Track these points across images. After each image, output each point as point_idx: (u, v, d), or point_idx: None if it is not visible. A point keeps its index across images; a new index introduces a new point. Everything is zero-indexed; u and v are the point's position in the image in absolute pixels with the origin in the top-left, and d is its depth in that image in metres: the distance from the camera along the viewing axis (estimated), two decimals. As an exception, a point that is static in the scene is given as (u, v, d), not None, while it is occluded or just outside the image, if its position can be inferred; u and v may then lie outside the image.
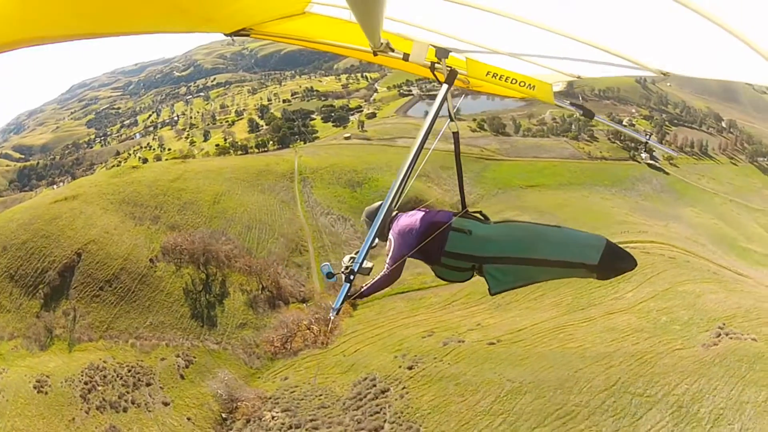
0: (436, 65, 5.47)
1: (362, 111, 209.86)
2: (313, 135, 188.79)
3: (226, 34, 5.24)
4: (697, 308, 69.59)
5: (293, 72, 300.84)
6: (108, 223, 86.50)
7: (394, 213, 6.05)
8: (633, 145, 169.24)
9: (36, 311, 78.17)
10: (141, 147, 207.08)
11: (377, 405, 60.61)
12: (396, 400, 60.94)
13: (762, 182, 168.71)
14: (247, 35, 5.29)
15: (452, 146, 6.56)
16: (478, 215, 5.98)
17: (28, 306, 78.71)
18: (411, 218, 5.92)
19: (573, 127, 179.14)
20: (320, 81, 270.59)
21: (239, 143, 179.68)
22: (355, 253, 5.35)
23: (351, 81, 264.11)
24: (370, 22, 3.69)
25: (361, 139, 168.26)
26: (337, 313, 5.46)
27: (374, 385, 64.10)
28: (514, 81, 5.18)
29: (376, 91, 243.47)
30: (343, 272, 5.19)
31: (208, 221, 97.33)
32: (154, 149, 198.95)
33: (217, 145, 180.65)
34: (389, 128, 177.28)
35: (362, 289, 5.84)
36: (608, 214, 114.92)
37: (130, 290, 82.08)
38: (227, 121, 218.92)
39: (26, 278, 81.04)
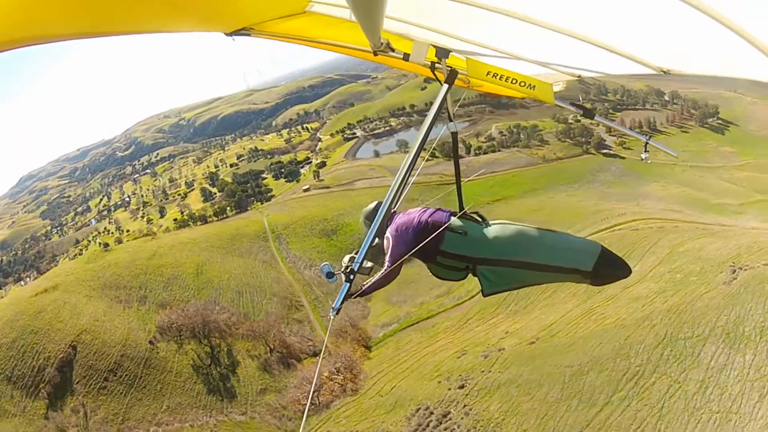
0: (437, 65, 5.45)
1: (311, 162, 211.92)
2: (269, 194, 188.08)
3: (226, 34, 5.13)
4: (704, 259, 73.06)
5: (233, 135, 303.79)
6: (96, 310, 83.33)
7: (392, 211, 5.99)
8: (583, 139, 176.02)
9: (43, 412, 73.59)
10: (99, 232, 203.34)
11: (445, 429, 60.73)
12: (462, 418, 61.15)
13: (716, 141, 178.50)
14: (248, 35, 5.23)
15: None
16: (475, 216, 6.01)
17: (33, 408, 74.04)
18: (408, 217, 5.98)
19: (521, 136, 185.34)
20: (262, 140, 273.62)
21: (197, 214, 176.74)
22: (355, 253, 5.26)
23: (293, 134, 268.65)
24: (370, 21, 3.67)
25: (320, 189, 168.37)
26: (337, 313, 5.09)
27: (431, 413, 63.67)
28: (514, 81, 5.14)
29: (319, 140, 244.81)
30: (343, 272, 5.05)
31: (197, 293, 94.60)
32: (112, 233, 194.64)
33: (175, 220, 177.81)
34: (343, 173, 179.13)
35: (362, 288, 5.72)
36: (579, 208, 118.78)
37: (136, 376, 78.46)
38: (179, 194, 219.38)
39: (24, 378, 76.57)
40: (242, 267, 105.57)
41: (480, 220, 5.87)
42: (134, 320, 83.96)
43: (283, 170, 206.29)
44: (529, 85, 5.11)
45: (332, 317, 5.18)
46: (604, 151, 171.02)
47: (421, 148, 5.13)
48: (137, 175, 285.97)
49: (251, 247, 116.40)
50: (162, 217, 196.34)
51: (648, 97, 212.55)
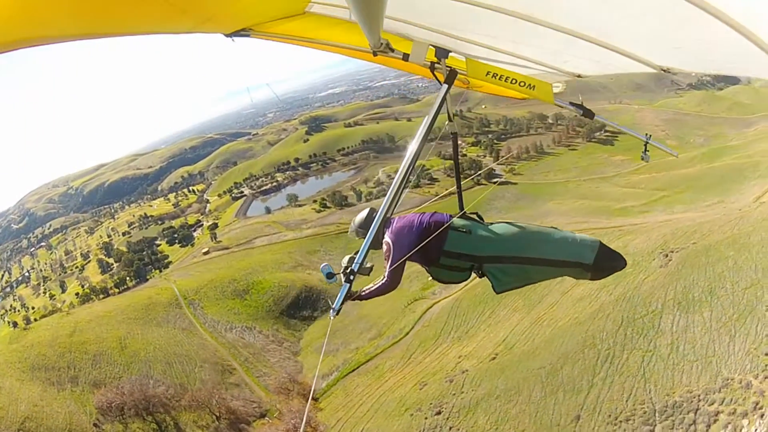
0: (436, 65, 5.64)
1: (202, 225, 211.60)
2: (166, 260, 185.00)
3: (226, 35, 5.15)
4: (633, 253, 79.77)
5: (121, 202, 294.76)
6: (31, 395, 77.35)
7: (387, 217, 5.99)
8: (473, 172, 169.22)
9: None
10: (6, 310, 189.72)
11: None
12: None
13: (606, 152, 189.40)
14: (247, 35, 5.26)
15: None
16: (474, 216, 6.21)
17: None
18: (407, 220, 6.08)
19: (410, 181, 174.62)
20: (150, 205, 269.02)
21: (98, 287, 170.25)
22: (355, 254, 5.35)
23: (180, 198, 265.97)
24: (370, 22, 3.69)
25: (220, 250, 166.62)
26: (336, 314, 5.29)
27: None
28: (514, 81, 5.27)
29: (207, 201, 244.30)
30: (343, 273, 5.19)
31: (126, 368, 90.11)
32: (18, 310, 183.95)
33: (77, 294, 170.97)
34: (240, 233, 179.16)
35: (362, 293, 5.94)
36: None
37: (90, 465, 70.46)
38: (77, 267, 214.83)
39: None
40: (164, 337, 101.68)
41: (479, 220, 6.12)
42: (72, 403, 78.45)
43: (176, 235, 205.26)
44: (529, 85, 5.24)
45: (332, 318, 5.28)
46: (495, 180, 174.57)
47: (420, 149, 5.33)
48: (33, 248, 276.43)
49: (167, 316, 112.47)
50: (63, 291, 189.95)
51: (531, 122, 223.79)
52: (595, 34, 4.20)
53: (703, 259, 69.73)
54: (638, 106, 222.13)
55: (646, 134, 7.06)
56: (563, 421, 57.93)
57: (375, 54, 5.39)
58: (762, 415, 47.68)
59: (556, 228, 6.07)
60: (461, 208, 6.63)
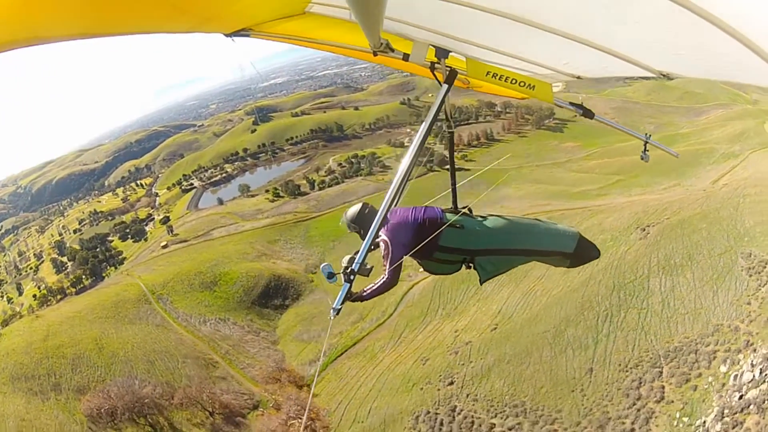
0: (436, 65, 5.60)
1: (153, 219, 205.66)
2: (120, 256, 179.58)
3: (226, 35, 5.07)
4: (609, 230, 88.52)
5: (69, 199, 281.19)
6: (17, 408, 74.62)
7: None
8: (425, 159, 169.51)
9: None
10: None
11: (464, 419, 64.83)
12: (473, 404, 66.38)
13: (557, 139, 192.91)
14: (247, 35, 5.19)
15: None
16: (465, 211, 6.33)
17: None
18: (401, 216, 6.16)
19: (361, 165, 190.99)
20: (99, 201, 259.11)
21: (54, 288, 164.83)
22: (355, 254, 5.33)
23: (128, 192, 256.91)
24: (370, 22, 3.72)
25: (178, 243, 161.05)
26: (337, 314, 5.22)
27: (436, 414, 67.16)
28: (513, 81, 5.23)
29: (157, 195, 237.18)
30: (343, 272, 5.14)
31: (108, 370, 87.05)
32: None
33: (34, 296, 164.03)
34: (195, 225, 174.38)
35: (363, 294, 6.03)
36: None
37: (91, 478, 71.21)
38: (31, 268, 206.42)
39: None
40: (139, 334, 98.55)
41: (469, 214, 6.29)
42: (60, 413, 75.56)
43: (128, 230, 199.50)
44: (529, 85, 5.24)
45: (332, 318, 5.27)
46: (448, 167, 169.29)
47: (420, 149, 5.20)
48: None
49: (138, 313, 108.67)
50: (21, 294, 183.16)
51: (480, 110, 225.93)
52: (595, 39, 4.26)
53: (679, 231, 77.71)
54: (586, 95, 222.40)
55: (646, 134, 7.11)
56: (578, 375, 63.47)
57: (375, 54, 5.37)
58: (755, 350, 55.77)
59: (539, 219, 6.47)
60: (455, 204, 6.89)
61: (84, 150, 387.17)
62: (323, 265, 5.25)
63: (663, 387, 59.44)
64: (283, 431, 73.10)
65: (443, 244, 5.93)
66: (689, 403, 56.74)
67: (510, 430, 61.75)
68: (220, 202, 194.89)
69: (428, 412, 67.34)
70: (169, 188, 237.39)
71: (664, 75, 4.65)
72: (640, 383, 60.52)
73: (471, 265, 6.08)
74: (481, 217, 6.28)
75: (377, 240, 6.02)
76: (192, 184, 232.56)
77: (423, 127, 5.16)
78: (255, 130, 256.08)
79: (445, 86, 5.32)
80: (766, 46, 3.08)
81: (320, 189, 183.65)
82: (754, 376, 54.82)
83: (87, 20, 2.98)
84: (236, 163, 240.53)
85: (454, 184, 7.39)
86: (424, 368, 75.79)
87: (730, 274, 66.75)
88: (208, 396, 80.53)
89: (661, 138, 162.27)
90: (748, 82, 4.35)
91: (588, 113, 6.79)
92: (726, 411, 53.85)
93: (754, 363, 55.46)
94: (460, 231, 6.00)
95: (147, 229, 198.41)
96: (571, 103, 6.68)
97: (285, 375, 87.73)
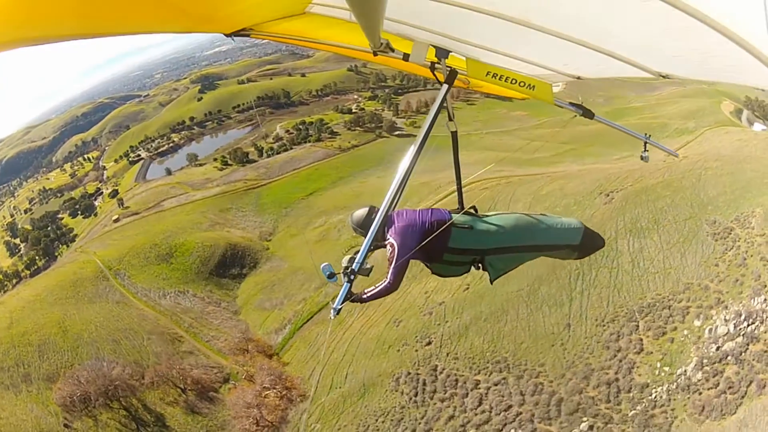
0: (436, 65, 5.67)
1: (102, 193, 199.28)
2: (71, 234, 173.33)
3: (226, 35, 5.06)
4: (571, 194, 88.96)
5: (19, 179, 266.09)
6: None
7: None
8: (374, 125, 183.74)
9: None
10: None
11: (447, 377, 65.43)
12: (454, 363, 66.85)
13: (505, 107, 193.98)
14: (248, 35, 5.24)
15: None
16: (471, 211, 6.24)
17: None
18: (409, 219, 6.00)
19: (310, 131, 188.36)
20: (48, 178, 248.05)
21: (9, 272, 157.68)
22: (355, 254, 5.30)
23: (76, 167, 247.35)
24: (370, 22, 3.74)
25: (129, 216, 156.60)
26: (337, 314, 5.35)
27: (417, 374, 67.41)
28: (514, 81, 5.29)
29: (104, 168, 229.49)
30: (343, 272, 5.19)
31: (75, 354, 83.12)
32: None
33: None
34: (145, 197, 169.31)
35: (363, 296, 5.89)
36: None
37: (75, 471, 71.10)
38: None
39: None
40: (101, 313, 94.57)
41: (475, 213, 6.17)
42: (34, 406, 71.81)
43: (77, 206, 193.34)
44: (529, 85, 5.25)
45: (332, 317, 5.32)
46: (397, 133, 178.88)
47: (421, 148, 5.36)
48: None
49: (97, 290, 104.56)
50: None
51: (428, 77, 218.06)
52: (595, 41, 4.30)
53: (643, 197, 79.43)
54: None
55: (646, 134, 7.21)
56: (556, 330, 65.35)
57: (375, 54, 5.46)
58: (726, 307, 59.41)
59: (544, 214, 6.39)
60: (461, 204, 6.60)
61: (32, 126, 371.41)
62: (323, 265, 5.17)
63: (641, 339, 61.60)
64: (258, 403, 72.38)
65: (452, 245, 5.79)
66: (668, 354, 59.24)
67: (495, 385, 62.74)
68: (169, 172, 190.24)
69: (409, 373, 67.65)
70: (116, 161, 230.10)
71: (663, 76, 4.61)
72: (619, 336, 62.59)
73: (480, 265, 5.94)
74: (488, 215, 6.14)
75: (384, 242, 5.87)
76: (139, 155, 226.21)
77: (424, 128, 5.31)
78: (201, 98, 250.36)
79: (446, 86, 5.41)
80: (763, 49, 3.13)
81: (268, 156, 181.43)
82: (728, 330, 58.15)
83: (87, 20, 2.97)
84: (183, 133, 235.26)
85: (459, 184, 6.92)
86: (398, 330, 75.89)
87: (696, 239, 69.48)
88: (178, 372, 78.48)
89: (611, 111, 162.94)
90: (746, 84, 4.39)
91: (588, 113, 6.71)
92: (705, 361, 57.11)
93: (727, 318, 58.91)
94: (469, 231, 5.84)
95: (96, 204, 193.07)
96: (571, 103, 6.57)
97: (252, 345, 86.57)
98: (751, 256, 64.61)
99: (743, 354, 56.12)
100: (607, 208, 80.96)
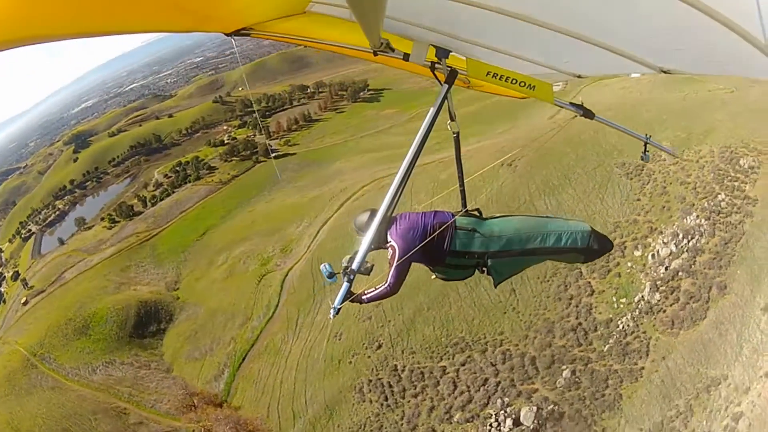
0: (437, 65, 5.53)
1: (4, 277, 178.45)
2: None
3: (226, 34, 4.88)
4: (483, 161, 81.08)
5: None
6: None
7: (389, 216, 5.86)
8: (248, 152, 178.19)
9: None
10: None
11: (411, 372, 64.10)
12: (412, 357, 65.67)
13: (374, 109, 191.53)
14: (248, 35, 5.04)
15: None
16: (475, 213, 6.07)
17: None
18: (412, 221, 5.83)
19: (188, 171, 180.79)
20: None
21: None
22: (355, 253, 5.23)
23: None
24: (370, 21, 3.67)
25: (37, 296, 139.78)
26: (337, 313, 5.23)
27: (379, 380, 65.34)
28: (514, 81, 5.17)
29: (1, 251, 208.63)
30: (343, 272, 5.09)
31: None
32: None
33: None
34: (46, 272, 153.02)
35: (362, 296, 5.73)
36: (294, 205, 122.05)
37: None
38: None
39: None
40: (41, 403, 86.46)
41: (479, 215, 6.00)
42: None
43: None
44: (529, 85, 5.13)
45: (332, 317, 5.27)
46: (274, 154, 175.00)
47: (420, 149, 5.17)
48: None
49: (30, 380, 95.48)
50: None
51: (293, 95, 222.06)
52: (595, 36, 4.18)
53: (547, 158, 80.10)
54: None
55: (646, 134, 7.37)
56: (503, 298, 64.91)
57: (375, 54, 5.26)
58: (661, 232, 62.16)
59: (550, 217, 6.28)
60: (464, 205, 6.28)
61: None
62: (323, 264, 5.12)
63: (589, 283, 63.15)
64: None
65: (455, 248, 5.63)
66: (620, 287, 61.28)
67: (463, 365, 62.54)
68: (61, 242, 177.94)
69: (370, 381, 66.41)
70: (10, 240, 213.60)
71: (665, 71, 4.44)
72: (566, 286, 63.82)
73: (485, 269, 5.76)
74: (492, 218, 5.97)
75: (386, 245, 5.70)
76: (30, 230, 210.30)
77: (423, 128, 5.15)
78: (77, 159, 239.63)
79: (446, 86, 5.31)
80: (763, 38, 3.05)
81: (153, 205, 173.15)
82: (671, 250, 61.16)
83: (87, 19, 2.92)
84: (66, 198, 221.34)
85: (462, 184, 6.60)
86: (342, 343, 73.77)
87: (611, 182, 72.06)
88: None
89: (480, 93, 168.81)
90: (750, 76, 4.26)
91: (588, 113, 6.79)
92: (659, 283, 59.68)
93: (666, 241, 61.82)
94: (472, 234, 5.67)
95: (2, 289, 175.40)
96: (572, 103, 6.71)
97: (197, 398, 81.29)
98: (670, 183, 68.02)
99: (693, 266, 59.21)
100: (514, 177, 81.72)
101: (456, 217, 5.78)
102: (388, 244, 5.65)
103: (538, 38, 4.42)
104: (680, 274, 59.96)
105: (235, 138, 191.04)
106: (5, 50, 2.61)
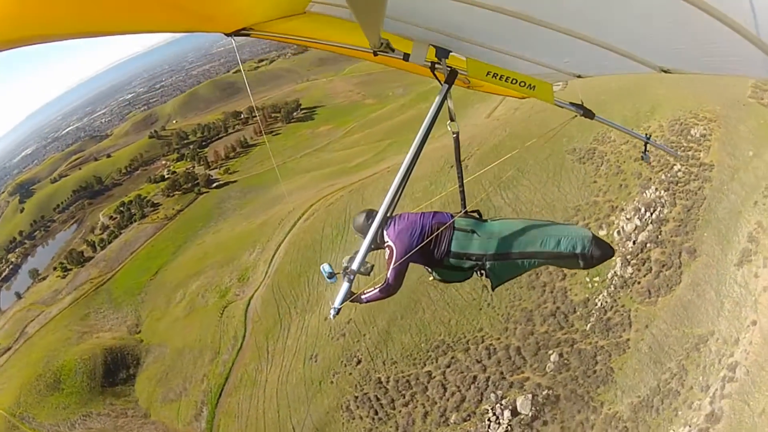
0: (437, 65, 5.54)
1: None
2: None
3: (226, 34, 4.81)
4: (431, 166, 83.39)
5: None
6: None
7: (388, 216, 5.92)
8: (190, 185, 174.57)
9: None
10: None
11: (397, 382, 63.16)
12: (394, 365, 64.62)
13: (309, 127, 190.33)
14: (248, 35, 4.96)
15: None
16: (475, 215, 6.07)
17: None
18: (409, 221, 5.84)
19: (132, 210, 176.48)
20: None
21: None
22: (355, 253, 5.24)
23: None
24: (370, 22, 3.70)
25: (3, 353, 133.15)
26: (337, 313, 5.11)
27: (365, 394, 63.73)
28: (514, 81, 5.23)
29: None
30: (343, 272, 5.09)
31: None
32: None
33: None
34: (9, 329, 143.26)
35: (362, 296, 5.68)
36: (243, 232, 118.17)
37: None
38: None
39: None
40: None
41: (479, 217, 6.00)
42: None
43: None
44: (529, 85, 5.20)
45: (332, 317, 5.15)
46: (215, 184, 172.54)
47: (420, 149, 5.24)
48: None
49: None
50: None
51: (227, 122, 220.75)
52: (595, 35, 4.19)
53: (495, 154, 76.50)
54: (326, 78, 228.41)
55: (646, 134, 7.21)
56: (476, 295, 63.66)
57: (375, 54, 5.22)
58: (622, 209, 63.41)
59: (550, 221, 6.19)
60: (464, 207, 6.19)
61: None
62: (323, 264, 5.14)
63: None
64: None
65: (454, 249, 5.61)
66: None
67: (448, 367, 62.05)
68: (19, 296, 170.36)
69: (356, 397, 65.00)
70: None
71: (665, 71, 4.41)
72: (538, 274, 63.65)
73: (482, 272, 5.70)
74: (492, 220, 5.96)
75: (384, 245, 5.74)
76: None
77: (423, 129, 5.19)
78: (23, 209, 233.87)
79: (446, 86, 5.33)
80: (766, 39, 3.04)
81: (102, 248, 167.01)
82: (636, 224, 62.02)
83: (87, 19, 2.91)
84: (18, 250, 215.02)
85: (462, 186, 6.42)
86: (319, 364, 72.24)
87: (564, 169, 71.85)
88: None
89: (414, 97, 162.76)
90: (751, 76, 4.37)
91: (588, 113, 6.68)
92: (629, 257, 60.56)
93: (629, 217, 62.85)
94: (471, 236, 5.63)
95: None
96: (572, 103, 6.62)
97: None
98: (624, 162, 68.82)
99: (660, 237, 60.72)
100: (467, 175, 79.08)
101: (455, 218, 5.80)
102: (385, 245, 5.68)
103: (538, 38, 4.48)
104: (648, 245, 61.57)
105: (175, 172, 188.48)
106: (5, 50, 2.60)
